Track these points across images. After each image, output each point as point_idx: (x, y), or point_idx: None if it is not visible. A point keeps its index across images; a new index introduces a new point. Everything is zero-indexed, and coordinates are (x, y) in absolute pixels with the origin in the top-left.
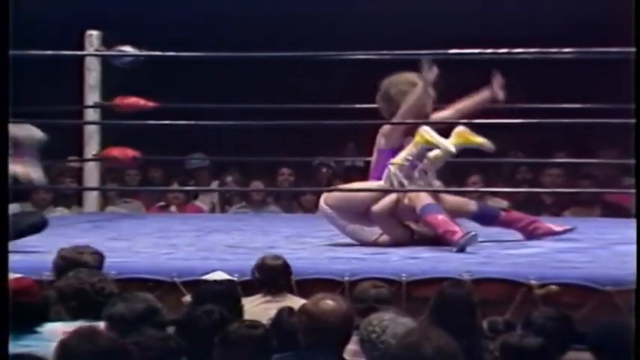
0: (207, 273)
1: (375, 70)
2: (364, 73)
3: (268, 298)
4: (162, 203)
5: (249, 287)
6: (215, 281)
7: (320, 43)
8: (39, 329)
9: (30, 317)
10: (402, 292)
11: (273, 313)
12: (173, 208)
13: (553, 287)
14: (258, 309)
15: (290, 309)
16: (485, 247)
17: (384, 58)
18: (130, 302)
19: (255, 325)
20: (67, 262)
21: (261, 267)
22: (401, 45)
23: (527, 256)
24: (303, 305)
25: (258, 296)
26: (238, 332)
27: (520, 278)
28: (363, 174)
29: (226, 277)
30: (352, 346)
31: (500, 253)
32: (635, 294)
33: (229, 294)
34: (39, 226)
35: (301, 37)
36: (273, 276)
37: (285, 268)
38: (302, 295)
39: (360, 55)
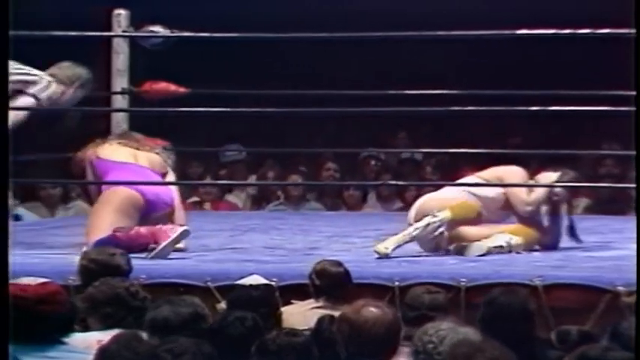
0: (243, 277)
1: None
2: (416, 58)
3: (324, 304)
4: (194, 199)
5: (298, 292)
6: (252, 286)
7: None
8: (65, 339)
9: (56, 326)
10: (461, 299)
11: None
12: (207, 205)
13: None
14: (311, 314)
15: (332, 317)
16: (561, 249)
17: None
18: (176, 306)
19: (295, 333)
20: (97, 266)
21: (322, 273)
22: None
23: (613, 260)
24: (344, 313)
25: (310, 301)
26: (277, 341)
27: (604, 284)
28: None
29: (264, 281)
30: (401, 359)
31: (578, 256)
32: (636, 294)
33: (267, 300)
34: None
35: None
36: (333, 284)
37: (346, 276)
38: (347, 303)
39: (398, 35)
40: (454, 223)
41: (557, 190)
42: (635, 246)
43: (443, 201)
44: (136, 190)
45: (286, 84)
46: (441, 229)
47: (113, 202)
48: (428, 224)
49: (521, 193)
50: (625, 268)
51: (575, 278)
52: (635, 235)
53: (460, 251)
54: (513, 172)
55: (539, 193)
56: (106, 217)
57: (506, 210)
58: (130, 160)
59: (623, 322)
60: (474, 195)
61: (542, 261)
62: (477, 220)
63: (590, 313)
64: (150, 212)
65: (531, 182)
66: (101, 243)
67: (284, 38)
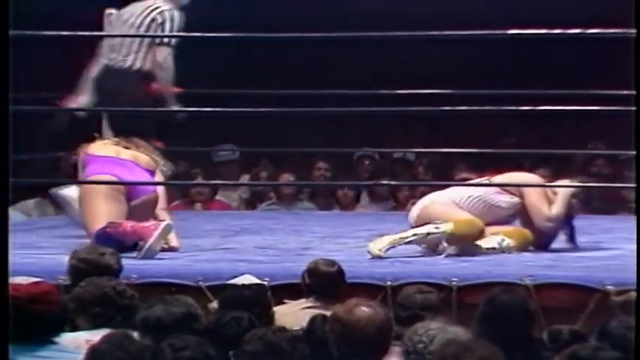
0: (235, 277)
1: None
2: (416, 58)
3: (316, 303)
4: (185, 199)
5: (291, 291)
6: (244, 286)
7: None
8: (56, 339)
9: (48, 326)
10: (453, 299)
11: None
12: (198, 206)
13: (634, 294)
14: (302, 313)
15: (324, 316)
16: (552, 249)
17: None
18: (169, 305)
19: (284, 330)
20: (88, 265)
21: (314, 273)
22: None
23: (603, 259)
24: (336, 312)
25: (303, 300)
26: (266, 339)
27: (594, 284)
28: (412, 167)
29: (256, 281)
30: (392, 359)
31: (569, 256)
32: (636, 294)
33: (259, 300)
34: None
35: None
36: (325, 283)
37: (339, 275)
38: (340, 302)
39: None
40: (455, 237)
41: (574, 201)
42: (634, 246)
43: (449, 209)
44: (113, 175)
45: (283, 84)
46: (439, 240)
47: (97, 189)
48: (428, 233)
49: (542, 208)
50: (615, 267)
51: (565, 278)
52: (635, 235)
53: (453, 251)
54: (531, 180)
55: (561, 208)
56: (100, 206)
57: (514, 217)
58: (111, 155)
59: (612, 322)
60: (484, 201)
61: (534, 261)
62: (478, 237)
63: (581, 312)
64: (133, 196)
65: (548, 191)
66: (99, 236)
67: (282, 38)
